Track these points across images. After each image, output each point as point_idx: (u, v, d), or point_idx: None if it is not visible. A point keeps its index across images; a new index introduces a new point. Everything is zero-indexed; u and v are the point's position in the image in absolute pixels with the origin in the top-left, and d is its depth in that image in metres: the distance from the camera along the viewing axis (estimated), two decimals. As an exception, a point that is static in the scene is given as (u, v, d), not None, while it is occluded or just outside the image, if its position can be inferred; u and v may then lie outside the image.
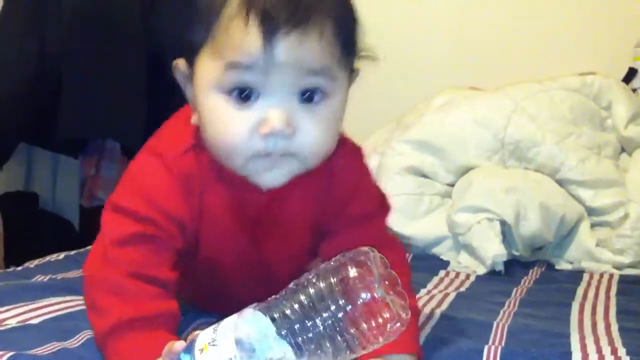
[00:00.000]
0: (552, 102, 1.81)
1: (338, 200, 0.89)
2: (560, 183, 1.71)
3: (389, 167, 1.79)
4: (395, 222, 1.69)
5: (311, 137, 0.76)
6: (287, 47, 0.72)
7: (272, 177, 0.78)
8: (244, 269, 0.91)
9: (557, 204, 1.64)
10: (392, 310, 0.67)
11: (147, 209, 0.82)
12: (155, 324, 0.79)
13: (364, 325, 0.67)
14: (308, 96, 0.76)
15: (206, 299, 0.98)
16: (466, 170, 1.76)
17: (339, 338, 0.67)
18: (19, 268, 1.28)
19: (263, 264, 0.91)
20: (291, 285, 0.70)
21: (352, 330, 0.67)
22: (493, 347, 0.92)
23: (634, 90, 1.94)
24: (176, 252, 0.84)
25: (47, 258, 1.35)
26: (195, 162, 0.83)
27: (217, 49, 0.75)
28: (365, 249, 0.70)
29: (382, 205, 0.96)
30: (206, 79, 0.77)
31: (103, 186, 2.24)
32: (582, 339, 1.01)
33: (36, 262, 1.32)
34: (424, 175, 1.78)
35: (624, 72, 1.98)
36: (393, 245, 0.93)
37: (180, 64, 0.82)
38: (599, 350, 0.95)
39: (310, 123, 0.76)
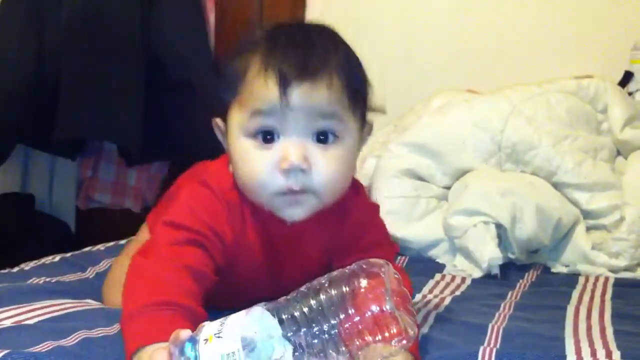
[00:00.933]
0: (549, 104, 1.81)
1: (349, 234, 1.01)
2: (556, 186, 1.71)
3: (386, 169, 1.79)
4: (392, 224, 1.69)
5: (325, 172, 0.89)
6: (299, 94, 0.86)
7: (294, 212, 0.91)
8: (261, 284, 1.02)
9: (553, 207, 1.64)
10: (399, 325, 0.67)
11: (198, 224, 0.94)
12: (178, 314, 0.83)
13: (370, 337, 0.67)
14: (322, 138, 0.89)
15: (219, 299, 1.02)
16: (463, 173, 1.76)
17: (343, 347, 0.67)
18: (14, 270, 1.28)
19: (278, 281, 1.02)
20: (303, 288, 0.71)
21: (357, 341, 0.67)
22: (488, 349, 0.92)
23: (630, 94, 1.95)
24: (217, 264, 0.95)
25: (43, 260, 1.35)
26: (237, 198, 0.97)
27: (243, 103, 0.90)
28: (380, 261, 0.71)
29: (390, 242, 1.11)
30: (235, 126, 0.91)
31: (100, 188, 2.24)
32: (577, 342, 1.01)
33: (32, 264, 1.32)
34: (421, 178, 1.78)
35: (620, 75, 1.98)
36: (400, 273, 0.96)
37: (217, 121, 0.98)
38: (593, 353, 0.95)
39: (324, 160, 0.89)
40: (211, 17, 2.14)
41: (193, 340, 0.71)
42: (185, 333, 0.73)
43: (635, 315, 1.21)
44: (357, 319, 0.67)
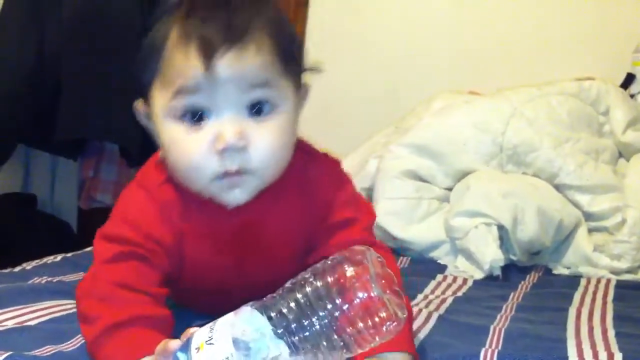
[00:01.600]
0: (551, 106, 1.81)
1: (318, 212, 0.92)
2: (558, 188, 1.71)
3: (387, 170, 1.79)
4: (393, 225, 1.70)
5: (263, 148, 0.80)
6: (227, 64, 0.77)
7: (234, 195, 0.82)
8: (230, 284, 0.94)
9: (554, 209, 1.64)
10: (388, 309, 0.67)
11: (132, 232, 0.86)
12: (146, 325, 0.80)
13: (361, 324, 0.67)
14: (257, 109, 0.80)
15: (197, 305, 1.01)
16: (464, 174, 1.76)
17: (335, 337, 0.67)
18: (16, 269, 1.28)
19: (248, 279, 0.94)
20: (287, 284, 0.70)
21: (348, 329, 0.67)
22: (490, 351, 0.92)
23: (632, 96, 1.95)
24: (163, 272, 0.87)
25: (44, 260, 1.35)
26: (173, 191, 0.88)
27: (164, 80, 0.80)
28: (361, 247, 0.70)
29: (365, 211, 0.98)
30: (159, 109, 0.81)
31: (102, 188, 2.24)
32: (579, 344, 1.01)
33: (33, 263, 1.32)
34: (422, 179, 1.78)
35: (622, 77, 1.98)
36: (380, 247, 0.93)
37: (139, 105, 0.88)
38: (595, 355, 0.95)
39: (262, 134, 0.80)
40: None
41: (185, 349, 0.69)
42: (174, 343, 0.70)
43: (637, 318, 1.21)
44: (345, 307, 0.66)
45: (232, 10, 0.79)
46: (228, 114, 0.79)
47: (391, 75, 2.27)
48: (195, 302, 1.00)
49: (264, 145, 0.80)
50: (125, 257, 0.85)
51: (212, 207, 0.85)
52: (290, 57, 0.83)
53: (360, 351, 0.69)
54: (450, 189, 1.78)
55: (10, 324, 0.95)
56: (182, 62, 0.78)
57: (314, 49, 2.44)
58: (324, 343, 0.67)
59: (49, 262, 1.34)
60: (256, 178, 0.82)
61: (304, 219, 0.92)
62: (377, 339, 0.68)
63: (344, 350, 0.68)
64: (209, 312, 0.79)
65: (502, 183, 1.69)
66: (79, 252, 1.44)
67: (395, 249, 1.70)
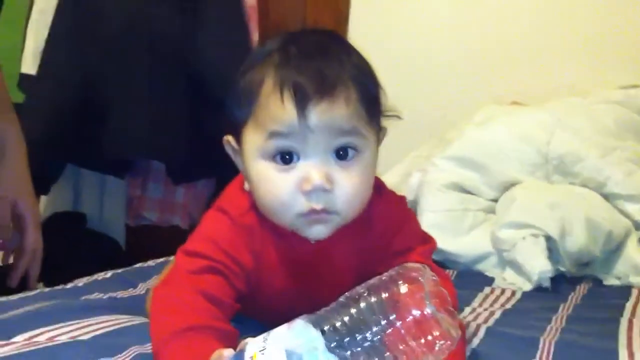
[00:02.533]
0: (595, 115, 1.79)
1: (379, 243, 0.97)
2: (607, 197, 1.69)
3: (431, 183, 1.79)
4: (438, 238, 1.68)
5: (348, 190, 0.86)
6: (318, 114, 0.83)
7: (317, 231, 0.88)
8: (297, 305, 0.96)
9: (603, 219, 1.61)
10: (441, 328, 0.67)
11: (215, 251, 0.92)
12: (213, 335, 0.83)
13: (413, 342, 0.67)
14: (342, 154, 0.86)
15: (258, 316, 1.04)
16: (509, 185, 1.75)
17: (387, 354, 0.67)
18: (68, 286, 1.31)
19: (314, 301, 0.97)
20: (342, 298, 0.71)
21: (400, 346, 0.67)
22: (540, 363, 0.91)
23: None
24: (239, 292, 0.93)
25: (95, 276, 1.38)
26: (256, 220, 0.94)
27: (258, 123, 0.86)
28: (417, 265, 0.71)
29: (424, 240, 1.04)
30: (252, 148, 0.88)
31: (148, 206, 2.28)
32: (631, 355, 1.00)
33: (84, 280, 1.35)
34: (467, 191, 1.77)
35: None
36: (438, 273, 0.94)
37: (229, 139, 0.95)
38: (649, 366, 0.93)
39: (346, 178, 0.86)
40: (255, 36, 2.16)
41: (238, 359, 0.70)
42: (228, 352, 0.73)
43: (691, 328, 1.18)
44: (398, 324, 0.66)
45: (323, 60, 0.86)
46: (316, 157, 0.85)
47: (433, 88, 2.26)
48: (258, 315, 1.03)
49: (348, 188, 0.86)
50: (209, 270, 0.90)
51: (291, 236, 0.91)
52: (373, 105, 0.90)
53: None
54: (495, 201, 1.76)
55: (63, 338, 0.97)
56: (277, 109, 0.84)
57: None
58: (376, 359, 0.67)
59: (99, 278, 1.37)
60: (339, 217, 0.88)
61: (366, 248, 0.97)
62: (429, 358, 0.68)
63: None
64: (269, 321, 0.82)
65: (548, 193, 1.67)
66: (129, 268, 1.46)
67: (441, 262, 1.69)
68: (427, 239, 1.06)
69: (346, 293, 0.71)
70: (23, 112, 1.95)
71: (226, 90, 2.06)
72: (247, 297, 0.94)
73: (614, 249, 1.63)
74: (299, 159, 0.85)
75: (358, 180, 0.87)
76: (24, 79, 2.04)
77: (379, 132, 0.93)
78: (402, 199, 1.05)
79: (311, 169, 0.84)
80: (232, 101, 0.91)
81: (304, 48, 0.87)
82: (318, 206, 0.85)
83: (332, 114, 0.84)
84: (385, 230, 0.97)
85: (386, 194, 1.00)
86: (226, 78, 2.02)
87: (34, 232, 1.29)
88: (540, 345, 1.04)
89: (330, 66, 0.85)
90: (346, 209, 0.87)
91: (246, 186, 0.94)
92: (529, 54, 2.18)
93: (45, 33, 1.99)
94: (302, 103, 0.83)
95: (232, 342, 0.84)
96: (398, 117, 0.95)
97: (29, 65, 2.03)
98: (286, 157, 0.85)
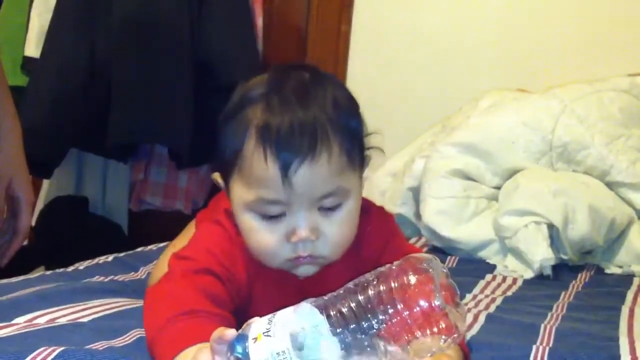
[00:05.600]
0: (602, 103, 1.78)
1: (369, 260, 0.96)
2: (610, 186, 1.68)
3: (435, 170, 1.78)
4: (441, 225, 1.69)
5: (333, 238, 0.88)
6: (301, 177, 0.84)
7: (304, 270, 0.90)
8: None
9: (606, 207, 1.61)
10: (449, 320, 0.67)
11: (213, 263, 0.92)
12: (207, 317, 0.83)
13: (419, 332, 0.66)
14: (326, 209, 0.88)
15: None
16: (513, 172, 1.74)
17: (392, 343, 0.67)
18: (69, 269, 1.31)
19: None
20: (350, 284, 0.70)
21: (406, 337, 0.67)
22: (541, 348, 0.91)
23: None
24: (233, 301, 0.93)
25: (96, 260, 1.38)
26: None
27: (244, 178, 0.88)
28: (428, 256, 0.70)
29: (410, 249, 1.04)
30: (239, 200, 0.89)
31: (151, 190, 2.28)
32: (632, 342, 1.00)
33: (86, 263, 1.35)
34: (470, 178, 1.77)
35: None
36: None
37: (217, 177, 0.96)
38: (649, 353, 0.93)
39: (332, 228, 0.88)
40: (259, 21, 2.15)
41: (242, 339, 0.70)
42: (231, 332, 0.72)
43: (692, 316, 1.18)
44: (405, 314, 0.66)
45: (305, 113, 0.85)
46: (301, 212, 0.86)
47: (438, 74, 2.26)
48: None
49: (333, 236, 0.88)
50: (206, 272, 0.90)
51: None
52: (356, 147, 0.90)
53: (416, 359, 0.69)
54: (498, 188, 1.76)
55: (63, 320, 0.97)
56: (261, 171, 0.85)
57: (359, 49, 2.45)
58: (381, 347, 0.67)
59: (100, 262, 1.37)
60: (326, 260, 0.90)
61: (358, 266, 0.95)
62: (433, 349, 0.68)
63: (399, 357, 0.68)
64: None
65: (552, 181, 1.67)
66: (130, 252, 1.46)
67: (443, 249, 1.69)
68: (412, 248, 1.10)
69: (355, 280, 0.71)
70: (27, 95, 1.96)
71: (229, 74, 2.06)
72: (238, 311, 0.94)
73: (616, 238, 1.63)
74: (285, 214, 0.87)
75: (343, 228, 0.89)
76: (28, 61, 2.03)
77: (363, 165, 0.93)
78: (390, 216, 1.06)
79: (297, 222, 0.86)
80: (220, 141, 0.92)
81: (285, 98, 0.87)
82: (304, 253, 0.88)
83: (314, 177, 0.85)
84: (376, 247, 0.99)
85: (374, 212, 1.01)
86: (229, 63, 2.04)
87: (29, 214, 1.29)
88: (541, 332, 1.04)
89: (312, 120, 0.85)
90: (332, 254, 0.89)
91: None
92: (536, 41, 2.16)
93: (49, 16, 1.98)
94: (285, 170, 0.84)
95: (230, 322, 0.85)
96: (380, 149, 0.95)
97: (33, 48, 2.03)
98: (272, 215, 0.87)
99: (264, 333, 0.69)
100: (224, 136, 0.91)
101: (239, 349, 0.70)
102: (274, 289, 0.96)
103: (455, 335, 0.67)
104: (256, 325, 0.71)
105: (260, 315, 0.93)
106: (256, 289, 0.96)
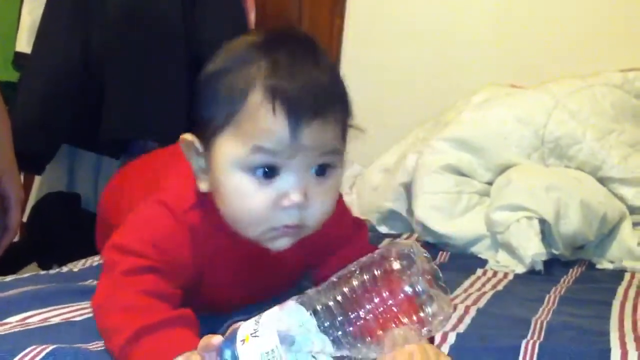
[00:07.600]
0: (594, 98, 1.78)
1: (321, 241, 0.96)
2: (602, 181, 1.69)
3: (427, 165, 1.78)
4: (433, 220, 1.69)
5: (321, 207, 0.86)
6: (311, 132, 0.81)
7: (280, 243, 0.88)
8: (238, 298, 1.00)
9: (598, 202, 1.61)
10: (434, 303, 0.67)
11: (148, 251, 0.88)
12: (176, 325, 0.81)
13: (406, 318, 0.67)
14: (322, 171, 0.85)
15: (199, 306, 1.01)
16: (505, 168, 1.74)
17: (381, 331, 0.67)
18: (64, 270, 1.30)
19: (254, 294, 1.00)
20: (333, 277, 0.71)
21: (394, 324, 0.67)
22: (531, 342, 0.91)
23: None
24: (180, 285, 0.90)
25: (90, 261, 1.37)
26: (200, 217, 0.92)
27: (241, 133, 0.82)
28: (408, 242, 0.71)
29: (358, 226, 1.08)
30: (228, 158, 0.84)
31: (144, 187, 2.27)
32: (622, 337, 1.00)
33: (80, 265, 1.34)
34: (462, 174, 1.77)
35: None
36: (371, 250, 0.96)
37: (187, 138, 0.90)
38: (639, 347, 0.94)
39: (321, 194, 0.86)
40: (252, 16, 2.15)
41: (230, 343, 0.70)
42: (217, 338, 0.72)
43: (682, 311, 1.18)
44: (391, 301, 0.66)
45: (315, 78, 0.83)
46: (297, 173, 0.83)
47: (432, 69, 2.26)
48: (207, 305, 1.00)
49: (322, 205, 0.86)
50: (146, 270, 0.87)
51: (236, 236, 0.89)
52: (348, 121, 0.89)
53: (406, 345, 0.69)
54: (490, 183, 1.76)
55: (56, 320, 0.96)
56: (268, 123, 0.81)
57: (353, 42, 2.44)
58: (369, 337, 0.67)
59: (94, 263, 1.36)
60: (308, 230, 0.88)
61: (307, 246, 0.95)
62: (423, 333, 0.68)
63: (389, 344, 0.68)
64: (219, 312, 0.85)
65: (544, 176, 1.67)
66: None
67: (436, 244, 1.70)
68: (361, 225, 1.09)
69: (338, 272, 0.71)
70: (18, 91, 1.95)
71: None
72: (192, 290, 0.92)
73: (608, 233, 1.63)
74: (279, 173, 0.83)
75: (331, 196, 0.88)
76: (20, 57, 2.03)
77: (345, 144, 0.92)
78: (347, 211, 1.07)
79: (291, 185, 0.83)
80: (204, 102, 0.87)
81: (294, 58, 0.84)
82: (292, 222, 0.85)
83: (324, 134, 0.82)
84: (327, 231, 0.93)
85: (339, 202, 0.99)
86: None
87: (18, 211, 1.29)
88: (532, 326, 1.04)
89: (321, 86, 0.83)
90: (316, 224, 0.87)
91: (203, 187, 0.90)
92: (529, 37, 2.17)
93: (40, 11, 1.97)
94: (296, 121, 0.80)
95: (194, 323, 0.84)
96: (361, 130, 0.93)
97: (24, 43, 2.02)
98: (268, 172, 0.83)
99: (251, 334, 0.69)
100: (212, 94, 0.86)
101: (227, 353, 0.70)
102: (225, 266, 0.94)
103: (441, 317, 0.68)
104: (244, 327, 0.71)
105: (213, 290, 0.94)
106: (207, 268, 0.93)
